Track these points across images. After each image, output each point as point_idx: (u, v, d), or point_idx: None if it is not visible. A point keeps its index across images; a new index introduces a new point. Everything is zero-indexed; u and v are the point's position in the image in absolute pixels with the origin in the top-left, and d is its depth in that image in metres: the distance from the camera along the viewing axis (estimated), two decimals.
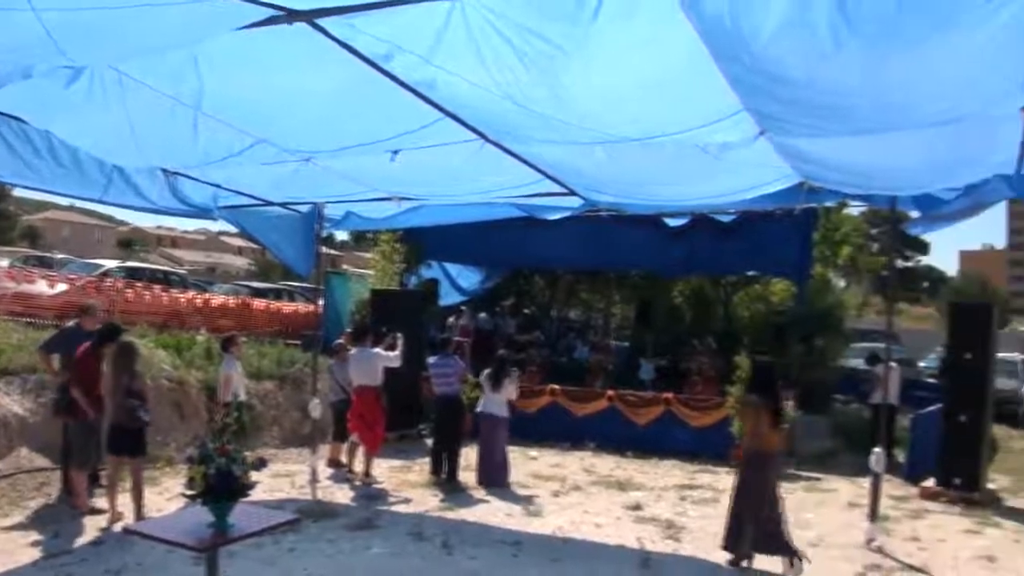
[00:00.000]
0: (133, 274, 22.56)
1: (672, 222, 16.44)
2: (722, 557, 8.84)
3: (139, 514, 9.21)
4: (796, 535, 9.89)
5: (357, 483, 11.98)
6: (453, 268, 22.04)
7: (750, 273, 20.00)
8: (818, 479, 13.68)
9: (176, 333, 16.62)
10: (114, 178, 9.29)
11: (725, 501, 11.50)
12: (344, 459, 12.70)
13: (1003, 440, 18.61)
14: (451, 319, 21.72)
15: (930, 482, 12.61)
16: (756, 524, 8.53)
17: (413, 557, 8.64)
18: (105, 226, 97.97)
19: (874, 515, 9.78)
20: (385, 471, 12.61)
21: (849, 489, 12.83)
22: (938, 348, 26.46)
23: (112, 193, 9.54)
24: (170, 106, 6.83)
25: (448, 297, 22.20)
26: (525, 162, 8.48)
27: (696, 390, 16.79)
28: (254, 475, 5.79)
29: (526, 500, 11.37)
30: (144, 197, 9.87)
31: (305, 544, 8.82)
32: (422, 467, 12.92)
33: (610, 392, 16.40)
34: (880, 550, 9.41)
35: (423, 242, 19.35)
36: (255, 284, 33.07)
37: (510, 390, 12.48)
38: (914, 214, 10.18)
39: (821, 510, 11.48)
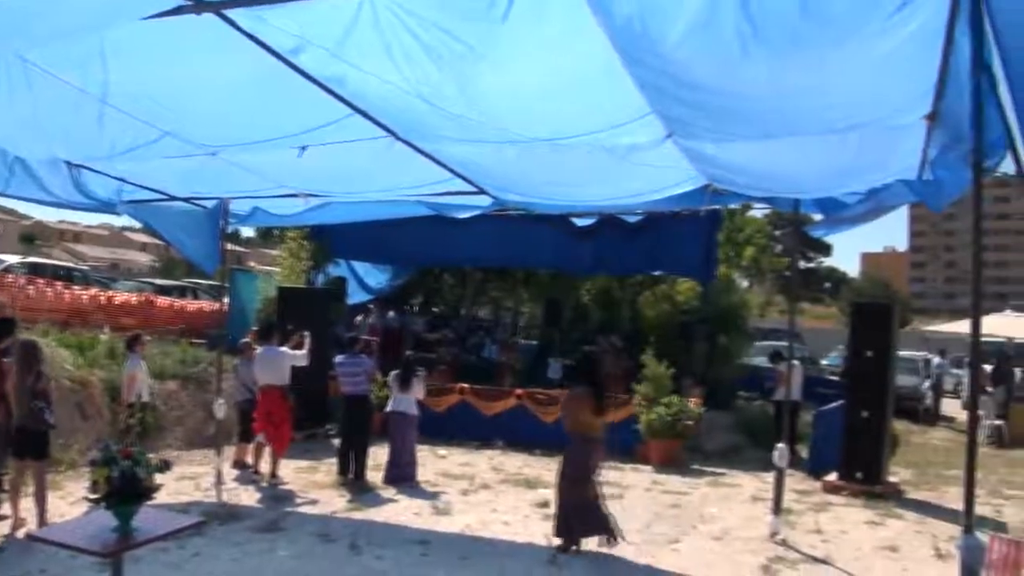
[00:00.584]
0: (35, 270, 21.91)
1: (580, 222, 16.54)
2: (627, 551, 8.97)
3: (42, 519, 8.90)
4: (700, 530, 10.13)
5: (263, 484, 11.80)
6: (361, 266, 21.85)
7: (656, 273, 20.21)
8: (722, 474, 13.92)
9: (78, 332, 16.17)
10: (16, 170, 9.02)
11: (632, 497, 11.74)
12: (250, 460, 12.51)
13: (904, 435, 19.24)
14: (359, 318, 21.55)
15: (832, 476, 12.92)
16: (580, 506, 8.95)
17: (320, 559, 8.55)
18: (8, 220, 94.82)
19: (778, 509, 9.99)
20: (292, 472, 12.46)
21: (753, 484, 13.07)
22: (839, 346, 27.16)
23: (14, 186, 9.25)
24: (75, 97, 6.64)
25: (356, 295, 22.01)
26: (435, 160, 8.45)
27: None
28: (158, 477, 5.67)
29: (435, 499, 11.34)
30: (47, 190, 9.59)
31: (211, 548, 8.65)
32: (329, 467, 12.79)
33: (518, 391, 16.45)
34: (784, 543, 9.62)
35: (331, 240, 19.16)
36: (159, 281, 32.32)
37: (418, 390, 12.51)
38: (817, 217, 10.36)
39: (725, 505, 11.68)
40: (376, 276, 22.39)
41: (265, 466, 12.16)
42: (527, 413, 16.02)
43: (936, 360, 26.58)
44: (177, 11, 4.94)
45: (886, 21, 4.50)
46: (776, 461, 9.90)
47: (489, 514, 10.61)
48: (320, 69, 5.96)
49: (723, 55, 5.00)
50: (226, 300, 15.76)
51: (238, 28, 5.32)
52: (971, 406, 5.00)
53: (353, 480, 12.08)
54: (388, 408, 12.55)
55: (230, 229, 12.03)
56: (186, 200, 11.19)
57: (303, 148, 7.84)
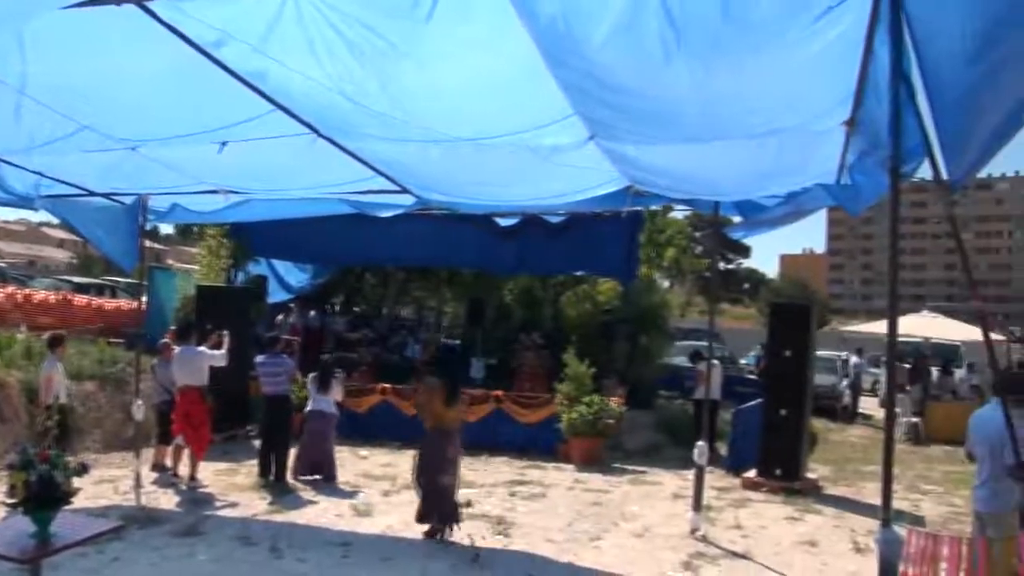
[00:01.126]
0: None
1: (503, 221, 16.57)
2: (550, 550, 9.01)
3: None
4: (622, 527, 10.22)
5: (182, 487, 11.60)
6: (281, 265, 21.57)
7: (578, 273, 20.30)
8: (644, 472, 14.06)
9: None
10: None
11: (554, 496, 11.80)
12: (169, 462, 12.27)
13: (822, 432, 19.68)
14: (280, 317, 21.30)
15: (752, 473, 13.14)
16: (437, 496, 9.35)
17: (240, 563, 8.44)
18: None
19: (698, 505, 10.14)
20: (211, 474, 12.26)
21: (674, 481, 13.21)
22: (758, 346, 27.61)
23: None
24: None
25: (276, 294, 21.72)
26: (358, 159, 8.40)
27: (524, 386, 17.01)
28: (76, 481, 5.55)
29: (356, 500, 11.26)
30: None
31: (130, 552, 8.47)
32: (250, 469, 12.62)
33: None
34: (704, 539, 9.77)
35: (251, 238, 18.87)
36: (77, 279, 31.51)
37: (336, 391, 12.52)
38: (736, 219, 10.51)
39: (647, 502, 11.80)
40: (297, 275, 22.13)
41: (184, 468, 11.95)
42: None
43: (853, 359, 27.23)
44: (98, 1, 4.85)
45: (807, 28, 4.59)
46: (696, 459, 10.05)
47: (411, 514, 10.55)
48: (242, 64, 5.89)
49: (646, 58, 5.05)
50: (144, 299, 15.43)
51: (159, 20, 5.23)
52: (888, 404, 5.11)
53: (274, 482, 11.94)
54: (307, 408, 12.48)
55: (149, 226, 11.83)
56: (105, 196, 10.96)
57: (223, 144, 7.74)
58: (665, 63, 5.04)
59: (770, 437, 12.98)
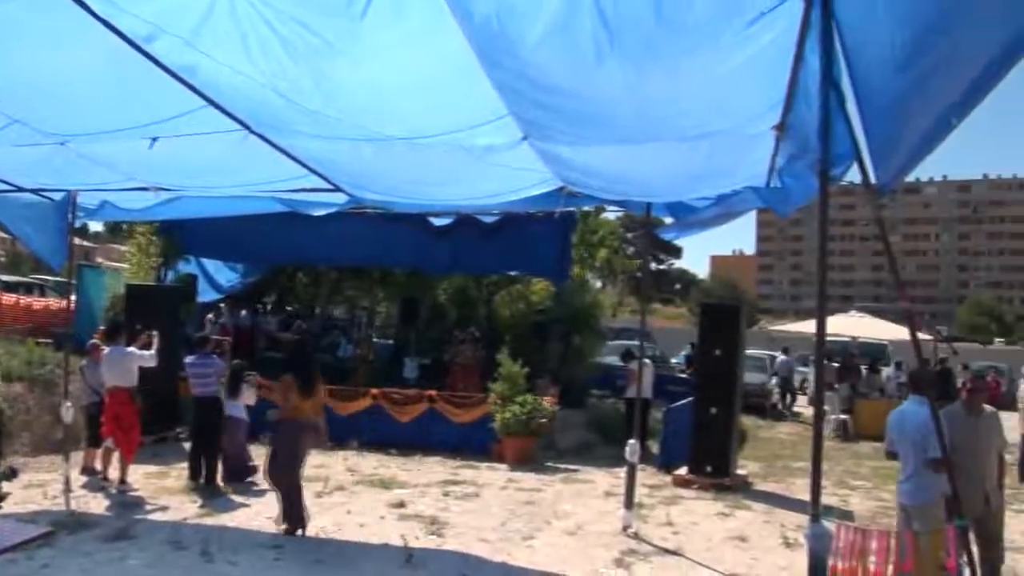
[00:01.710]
0: None
1: (437, 221, 16.58)
2: (483, 549, 9.04)
3: None
4: (555, 526, 10.28)
5: (112, 491, 11.39)
6: (212, 264, 21.30)
7: (512, 273, 20.35)
8: (576, 471, 14.15)
9: None
10: None
11: (487, 495, 11.82)
12: (99, 466, 12.05)
13: (752, 430, 20.01)
14: (210, 316, 21.04)
15: (683, 470, 13.29)
16: (291, 490, 9.47)
17: (172, 567, 8.31)
18: None
19: (630, 503, 10.24)
20: (141, 477, 12.07)
21: (606, 479, 13.32)
22: (689, 345, 27.98)
23: None
24: None
25: (206, 294, 21.45)
26: (290, 156, 8.32)
27: (456, 381, 17.05)
28: (5, 486, 5.45)
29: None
30: None
31: (59, 558, 8.29)
32: (180, 472, 12.44)
33: (374, 391, 16.34)
34: (636, 536, 9.86)
35: (181, 236, 18.64)
36: (5, 277, 30.71)
37: (247, 396, 12.45)
38: (668, 220, 10.61)
39: (579, 500, 11.88)
40: (227, 274, 21.88)
41: (114, 472, 11.75)
42: (382, 413, 15.97)
43: (781, 358, 27.74)
44: None
45: (740, 33, 4.66)
46: (628, 457, 10.15)
47: (344, 516, 10.51)
48: (174, 58, 5.81)
49: (580, 59, 5.09)
50: (73, 298, 15.13)
51: (91, 12, 5.16)
52: (817, 401, 5.21)
53: (204, 484, 11.78)
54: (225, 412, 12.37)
55: (78, 223, 11.62)
56: (33, 191, 10.72)
57: (154, 139, 7.62)
58: (598, 64, 5.09)
59: (701, 435, 13.14)
